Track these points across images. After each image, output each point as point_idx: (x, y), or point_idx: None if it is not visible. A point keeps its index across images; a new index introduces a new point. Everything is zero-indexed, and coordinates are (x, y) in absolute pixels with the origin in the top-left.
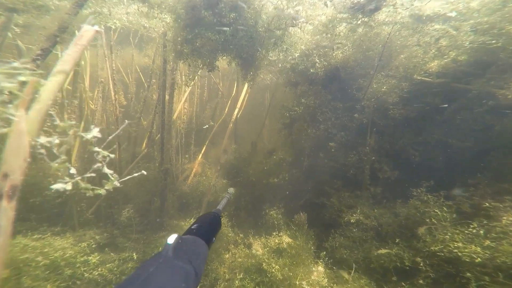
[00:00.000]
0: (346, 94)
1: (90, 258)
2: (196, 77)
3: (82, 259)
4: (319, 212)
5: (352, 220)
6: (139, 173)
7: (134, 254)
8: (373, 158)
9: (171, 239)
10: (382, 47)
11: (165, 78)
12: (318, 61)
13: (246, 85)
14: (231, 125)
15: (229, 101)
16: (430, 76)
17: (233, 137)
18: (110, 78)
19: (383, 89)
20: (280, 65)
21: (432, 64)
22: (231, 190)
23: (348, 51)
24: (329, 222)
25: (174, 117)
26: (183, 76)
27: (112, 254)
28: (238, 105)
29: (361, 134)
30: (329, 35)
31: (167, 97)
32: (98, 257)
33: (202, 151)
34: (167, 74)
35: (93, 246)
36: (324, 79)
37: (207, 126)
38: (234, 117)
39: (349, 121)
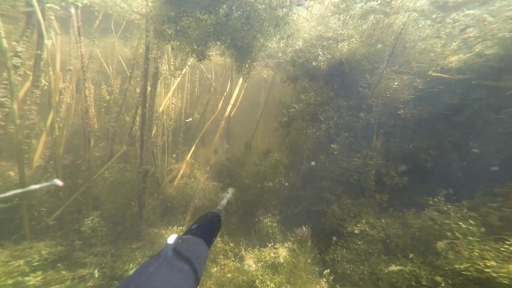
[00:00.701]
0: (350, 91)
1: (27, 279)
2: (185, 69)
3: (11, 281)
4: (318, 220)
5: (356, 231)
6: (49, 183)
7: (96, 270)
8: (380, 162)
9: (171, 239)
10: (396, 38)
11: (147, 67)
12: (321, 53)
13: (240, 81)
14: (223, 123)
15: (222, 98)
16: (448, 72)
17: (225, 136)
18: (81, 67)
19: (394, 86)
20: (278, 57)
21: (452, 59)
22: (231, 190)
23: (355, 43)
24: (330, 232)
25: (160, 110)
26: (171, 66)
27: (64, 272)
28: (232, 102)
29: (367, 135)
30: (340, 19)
31: (149, 88)
32: (42, 276)
33: (191, 151)
34: (150, 62)
35: (35, 263)
36: (326, 74)
37: (190, 119)
38: (226, 114)
39: (354, 121)
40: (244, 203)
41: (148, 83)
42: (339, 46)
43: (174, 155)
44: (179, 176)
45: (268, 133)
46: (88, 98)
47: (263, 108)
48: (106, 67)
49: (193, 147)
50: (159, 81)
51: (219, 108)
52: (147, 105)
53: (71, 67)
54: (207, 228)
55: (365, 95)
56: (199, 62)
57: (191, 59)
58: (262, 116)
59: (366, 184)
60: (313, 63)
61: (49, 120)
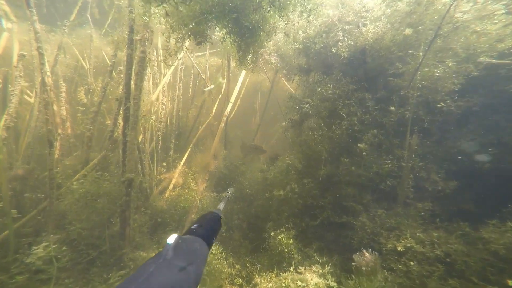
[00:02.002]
0: (376, 82)
1: None
2: (177, 64)
3: None
4: (343, 235)
5: (399, 248)
6: None
7: None
8: (419, 164)
9: (171, 239)
10: (441, 18)
11: (131, 52)
12: (342, 38)
13: (239, 82)
14: (222, 125)
15: (218, 100)
16: (506, 57)
17: (222, 141)
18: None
19: (436, 74)
20: (285, 47)
21: None
22: (231, 189)
23: (384, 27)
24: (360, 248)
25: (148, 108)
26: (162, 51)
27: None
28: (232, 100)
29: (399, 133)
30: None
31: (134, 82)
32: None
33: (184, 158)
34: (135, 46)
35: None
36: (346, 63)
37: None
38: (226, 114)
39: (383, 116)
40: (248, 216)
41: (134, 73)
42: (363, 30)
43: (164, 163)
44: (171, 186)
45: (270, 137)
46: (57, 95)
47: (264, 111)
48: (83, 62)
49: (187, 154)
50: (147, 73)
51: (214, 110)
52: (131, 99)
53: (24, 53)
54: (207, 228)
55: (396, 86)
56: (198, 46)
57: (187, 43)
58: (262, 119)
59: (402, 191)
60: (333, 50)
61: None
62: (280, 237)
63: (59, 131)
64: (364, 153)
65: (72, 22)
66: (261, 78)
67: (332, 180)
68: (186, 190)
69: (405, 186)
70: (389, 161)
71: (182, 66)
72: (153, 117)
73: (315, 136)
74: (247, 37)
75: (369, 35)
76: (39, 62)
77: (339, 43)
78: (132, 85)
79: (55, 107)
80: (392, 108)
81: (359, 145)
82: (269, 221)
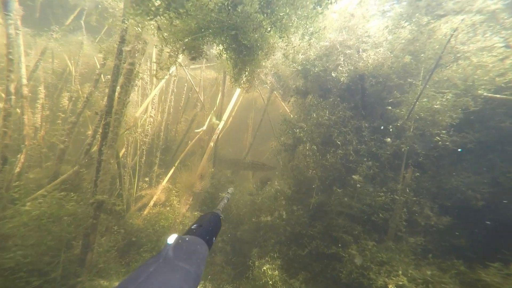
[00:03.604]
0: (373, 111)
1: None
2: (170, 77)
3: None
4: (331, 266)
5: (391, 286)
6: None
7: None
8: (414, 198)
9: (171, 239)
10: (443, 48)
11: (118, 63)
12: (343, 62)
13: (233, 98)
14: (212, 144)
15: (211, 114)
16: (503, 91)
17: (211, 159)
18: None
19: (436, 106)
20: (281, 68)
21: None
22: (231, 189)
23: (384, 53)
24: (349, 284)
25: (133, 121)
26: (154, 65)
27: None
28: (224, 118)
29: (394, 165)
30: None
31: (118, 95)
32: None
33: (169, 174)
34: (124, 56)
35: None
36: (344, 89)
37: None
38: (217, 132)
39: (378, 147)
40: (233, 239)
41: (119, 85)
42: (363, 56)
43: (147, 179)
44: (151, 203)
45: (261, 154)
46: (32, 102)
47: (256, 130)
48: (71, 68)
49: (172, 169)
50: (135, 83)
51: (205, 126)
52: (112, 113)
53: None
54: (207, 228)
55: (393, 115)
56: (192, 61)
57: (181, 58)
58: (255, 138)
59: (394, 224)
60: (332, 74)
61: None
62: (265, 268)
63: (26, 142)
64: (359, 185)
65: (65, 27)
66: (256, 94)
67: (323, 209)
68: (168, 208)
69: (398, 219)
70: (382, 194)
71: (175, 77)
72: (139, 130)
73: (308, 163)
74: (244, 55)
75: (369, 61)
76: (7, 69)
77: (339, 67)
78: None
79: (25, 116)
80: (388, 139)
81: (353, 176)
82: (255, 247)
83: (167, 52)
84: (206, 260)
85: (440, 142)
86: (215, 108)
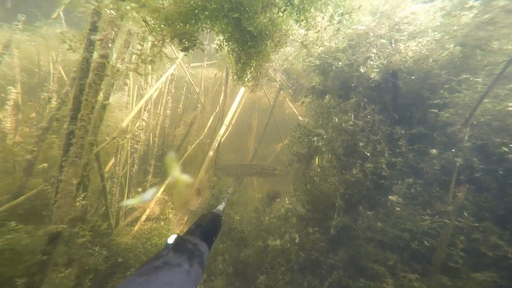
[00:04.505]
0: (409, 113)
1: None
2: (167, 76)
3: None
4: None
5: None
6: None
7: None
8: (475, 224)
9: (171, 239)
10: None
11: (88, 56)
12: (374, 55)
13: (237, 98)
14: (211, 153)
15: (212, 117)
16: None
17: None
18: None
19: (509, 108)
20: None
21: None
22: (231, 190)
23: (428, 44)
24: None
25: (123, 127)
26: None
27: None
28: (226, 122)
29: (441, 182)
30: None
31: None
32: None
33: (165, 184)
34: (95, 47)
35: None
36: (372, 87)
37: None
38: (218, 139)
39: (419, 160)
40: (236, 260)
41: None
42: (400, 47)
43: (140, 189)
44: (143, 218)
45: (266, 157)
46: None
47: (262, 134)
48: (52, 67)
49: (168, 179)
50: (128, 83)
51: (206, 130)
52: (79, 118)
53: None
54: (207, 228)
55: (439, 120)
56: (184, 53)
57: (172, 51)
58: (260, 143)
59: (442, 253)
60: (361, 69)
61: None
62: None
63: None
64: (398, 209)
65: (51, 20)
66: (260, 94)
67: (346, 234)
68: (162, 223)
69: (446, 247)
70: (427, 217)
71: (172, 76)
72: (128, 136)
73: (327, 177)
74: (249, 46)
75: (409, 53)
76: None
77: (369, 61)
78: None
79: None
80: (434, 151)
81: (390, 197)
82: (261, 274)
83: (151, 41)
84: (206, 260)
85: (511, 155)
86: (217, 110)
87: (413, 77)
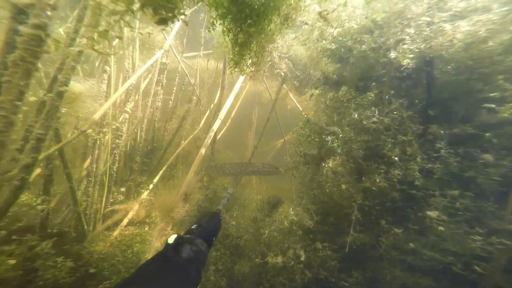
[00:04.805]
0: (448, 109)
1: None
2: (157, 62)
3: None
4: None
5: None
6: None
7: None
8: None
9: (171, 239)
10: None
11: (13, 26)
12: (409, 37)
13: (235, 89)
14: (203, 150)
15: (208, 111)
16: None
17: (207, 166)
18: None
19: None
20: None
21: None
22: (231, 189)
23: (488, 24)
24: None
25: (95, 116)
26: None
27: None
28: (221, 116)
29: (496, 194)
30: None
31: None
32: None
33: (152, 183)
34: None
35: None
36: (401, 77)
37: None
38: (211, 135)
39: (466, 168)
40: (230, 272)
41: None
42: (446, 29)
43: (123, 189)
44: (125, 222)
45: (266, 154)
46: None
47: (263, 129)
48: None
49: (157, 177)
50: (108, 70)
51: (201, 124)
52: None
53: None
54: (207, 228)
55: (492, 118)
56: (161, 27)
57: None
58: (260, 138)
59: (496, 280)
60: (391, 54)
61: None
62: None
63: None
64: (442, 228)
65: None
66: (261, 88)
67: (365, 253)
68: (147, 227)
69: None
70: (477, 236)
71: (165, 66)
72: (105, 130)
73: (340, 184)
74: (249, 24)
75: (457, 36)
76: None
77: (401, 44)
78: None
79: None
80: (488, 156)
81: (428, 213)
82: None
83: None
84: (206, 260)
85: None
86: (214, 102)
87: (455, 66)
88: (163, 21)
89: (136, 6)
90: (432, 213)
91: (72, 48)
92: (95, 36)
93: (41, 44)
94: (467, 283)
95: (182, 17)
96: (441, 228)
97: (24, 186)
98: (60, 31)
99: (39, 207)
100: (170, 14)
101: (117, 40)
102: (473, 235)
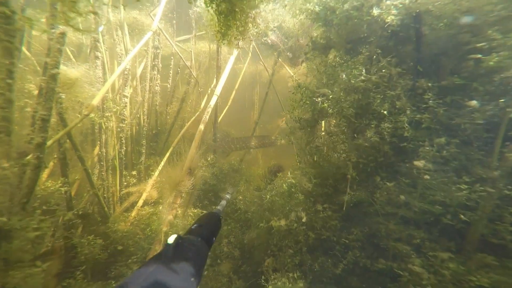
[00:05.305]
0: (438, 63)
1: None
2: (149, 45)
3: None
4: (379, 286)
5: None
6: None
7: None
8: None
9: (171, 239)
10: None
11: None
12: None
13: (228, 66)
14: (202, 126)
15: (207, 94)
16: None
17: (212, 143)
18: None
19: None
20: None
21: None
22: (231, 189)
23: None
24: None
25: (94, 102)
26: None
27: None
28: (217, 92)
29: (482, 140)
30: None
31: None
32: None
33: (161, 165)
34: None
35: None
36: (388, 36)
37: None
38: (208, 111)
39: (453, 114)
40: (242, 243)
41: None
42: None
43: (134, 173)
44: (140, 203)
45: (269, 133)
46: None
47: (263, 103)
48: None
49: (165, 159)
50: (99, 55)
51: (202, 105)
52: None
53: None
54: (207, 228)
55: (481, 68)
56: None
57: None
58: (260, 114)
59: (481, 229)
60: (374, 11)
61: None
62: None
63: None
64: (427, 177)
65: None
66: (260, 67)
67: (362, 210)
68: (161, 207)
69: (487, 220)
70: (465, 186)
71: (158, 51)
72: (107, 114)
73: (335, 144)
74: None
75: None
76: None
77: (385, 0)
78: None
79: None
80: (474, 102)
81: (415, 163)
82: (268, 256)
83: None
84: (206, 260)
85: None
86: (212, 85)
87: (444, 20)
88: None
89: None
90: (418, 163)
91: (52, 29)
92: (65, 9)
93: (9, 21)
94: (454, 233)
95: None
96: (427, 177)
97: (41, 164)
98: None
99: (62, 189)
100: None
101: (102, 27)
102: (459, 184)
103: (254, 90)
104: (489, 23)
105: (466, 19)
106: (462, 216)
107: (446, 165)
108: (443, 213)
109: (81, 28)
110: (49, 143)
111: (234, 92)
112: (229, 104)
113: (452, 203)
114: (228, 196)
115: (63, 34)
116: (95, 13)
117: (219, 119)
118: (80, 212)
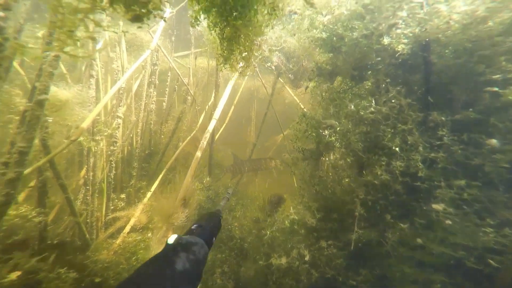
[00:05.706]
0: (448, 94)
1: None
2: (146, 63)
3: None
4: None
5: None
6: None
7: None
8: None
9: (171, 239)
10: None
11: None
12: (402, 21)
13: (227, 89)
14: (199, 153)
15: (204, 111)
16: None
17: (207, 165)
18: None
19: None
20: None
21: None
22: (231, 189)
23: (488, 2)
24: None
25: (83, 125)
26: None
27: None
28: (216, 116)
29: (505, 183)
30: None
31: None
32: None
33: (153, 188)
34: None
35: None
36: (396, 64)
37: None
38: (206, 136)
39: (471, 155)
40: (237, 274)
41: None
42: (441, 10)
43: (123, 196)
44: (127, 228)
45: (266, 151)
46: None
47: (261, 125)
48: None
49: (157, 182)
50: (93, 74)
51: (198, 125)
52: None
53: None
54: (207, 228)
55: (498, 101)
56: (137, 26)
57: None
58: (259, 135)
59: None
60: (384, 41)
61: None
62: None
63: None
64: (449, 221)
65: None
66: (258, 83)
67: (372, 250)
68: (150, 234)
69: None
70: (490, 229)
71: (156, 67)
72: (97, 138)
73: (341, 178)
74: (235, 17)
75: (454, 17)
76: None
77: (395, 29)
78: None
79: None
80: (494, 141)
81: (434, 206)
82: None
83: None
84: (206, 261)
85: None
86: (210, 103)
87: (453, 49)
88: (137, 18)
89: (104, 2)
90: (438, 206)
91: (45, 52)
92: (62, 37)
93: (1, 49)
94: (483, 277)
95: (167, 12)
96: (449, 221)
97: (10, 202)
98: (39, 35)
99: (36, 219)
100: (144, 10)
101: (101, 42)
102: (484, 227)
103: (251, 106)
104: (500, 53)
105: (475, 48)
106: (491, 261)
107: (466, 207)
108: (465, 256)
109: (78, 55)
110: (26, 171)
111: (231, 110)
112: (226, 122)
113: (477, 246)
114: (228, 195)
115: (57, 57)
116: (93, 39)
117: (216, 138)
118: (55, 242)
